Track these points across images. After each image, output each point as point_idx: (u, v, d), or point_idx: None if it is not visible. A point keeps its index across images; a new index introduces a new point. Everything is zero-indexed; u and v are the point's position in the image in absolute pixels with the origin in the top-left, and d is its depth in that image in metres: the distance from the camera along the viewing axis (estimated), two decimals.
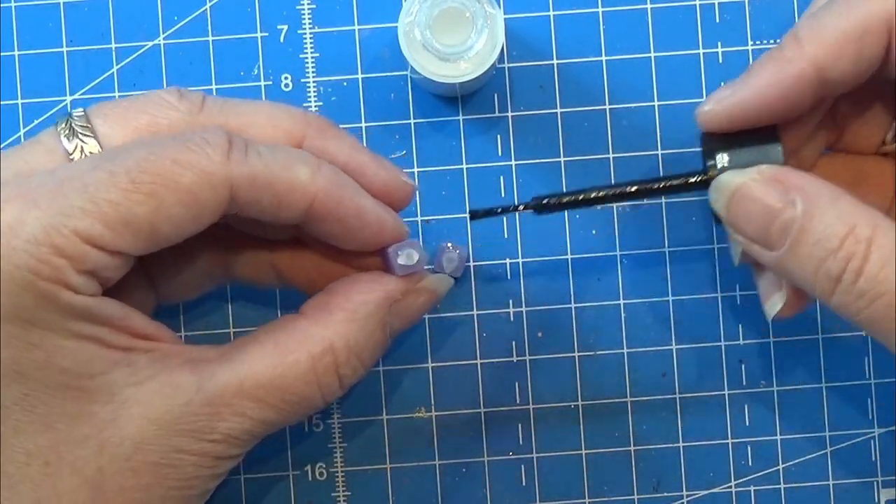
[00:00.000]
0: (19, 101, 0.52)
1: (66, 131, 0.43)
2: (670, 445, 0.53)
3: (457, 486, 0.52)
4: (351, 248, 0.46)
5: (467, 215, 0.48)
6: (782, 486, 0.53)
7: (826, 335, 0.53)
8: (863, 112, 0.48)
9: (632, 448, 0.53)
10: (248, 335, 0.45)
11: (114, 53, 0.52)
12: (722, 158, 0.45)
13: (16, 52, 0.52)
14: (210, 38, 0.53)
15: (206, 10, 0.52)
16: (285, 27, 0.53)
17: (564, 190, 0.50)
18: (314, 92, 0.52)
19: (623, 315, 0.53)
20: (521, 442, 0.53)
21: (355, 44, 0.53)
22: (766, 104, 0.44)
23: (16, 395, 0.40)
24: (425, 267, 0.47)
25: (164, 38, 0.52)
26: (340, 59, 0.53)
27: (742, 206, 0.44)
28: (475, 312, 0.53)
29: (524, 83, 0.53)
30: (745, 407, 0.53)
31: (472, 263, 0.52)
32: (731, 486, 0.53)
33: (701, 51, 0.53)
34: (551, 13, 0.53)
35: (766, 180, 0.44)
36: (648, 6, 0.53)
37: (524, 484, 0.53)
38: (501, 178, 0.53)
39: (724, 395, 0.53)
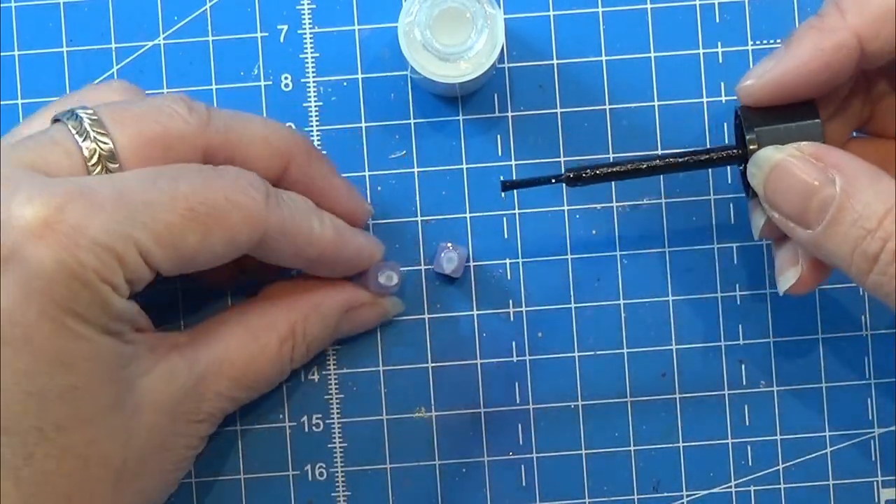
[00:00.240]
0: (19, 101, 0.52)
1: (80, 131, 0.43)
2: (670, 445, 0.53)
3: (457, 486, 0.52)
4: (334, 276, 0.50)
5: (501, 186, 0.48)
6: (782, 486, 0.53)
7: (826, 335, 0.53)
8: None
9: (632, 448, 0.53)
10: (214, 318, 0.48)
11: (114, 53, 0.52)
12: (761, 133, 0.45)
13: (16, 52, 0.52)
14: (210, 38, 0.53)
15: (206, 10, 0.52)
16: (285, 27, 0.53)
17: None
18: (314, 92, 0.52)
19: (623, 315, 0.53)
20: (521, 442, 0.53)
21: (355, 44, 0.53)
22: (808, 75, 0.44)
23: (62, 387, 0.40)
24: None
25: (164, 38, 0.52)
26: (340, 59, 0.53)
27: (780, 183, 0.44)
28: (475, 312, 0.53)
29: (524, 83, 0.53)
30: (745, 407, 0.53)
31: (471, 263, 0.52)
32: (731, 486, 0.53)
33: (701, 51, 0.53)
34: (551, 13, 0.53)
35: (806, 157, 0.44)
36: (648, 6, 0.53)
37: (524, 484, 0.53)
38: (501, 177, 0.53)
39: (724, 395, 0.53)
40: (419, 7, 0.49)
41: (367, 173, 0.52)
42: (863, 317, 0.53)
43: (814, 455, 0.53)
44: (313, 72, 0.53)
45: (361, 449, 0.52)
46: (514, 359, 0.53)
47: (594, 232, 0.53)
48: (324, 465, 0.52)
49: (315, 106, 0.52)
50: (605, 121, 0.53)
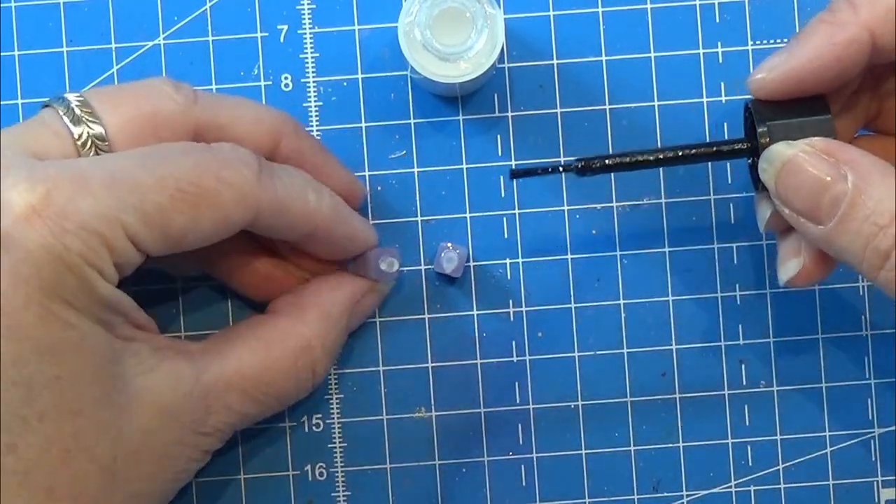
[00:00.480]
0: (19, 101, 0.52)
1: (70, 115, 0.43)
2: (670, 445, 0.53)
3: (457, 486, 0.52)
4: (328, 258, 0.49)
5: (510, 174, 0.48)
6: (782, 486, 0.53)
7: (826, 335, 0.53)
8: None
9: (632, 448, 0.53)
10: (226, 331, 0.47)
11: (114, 53, 0.52)
12: (773, 128, 0.45)
13: (16, 52, 0.52)
14: (210, 38, 0.53)
15: (206, 10, 0.52)
16: (285, 27, 0.53)
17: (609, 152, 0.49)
18: (314, 92, 0.52)
19: (623, 315, 0.53)
20: (521, 442, 0.53)
21: (355, 44, 0.53)
22: (820, 70, 0.44)
23: (47, 376, 0.40)
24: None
25: (164, 38, 0.52)
26: (340, 59, 0.53)
27: (792, 179, 0.44)
28: (475, 312, 0.53)
29: (524, 83, 0.53)
30: (745, 407, 0.53)
31: (471, 263, 0.52)
32: (731, 486, 0.53)
33: (701, 51, 0.53)
34: (551, 13, 0.53)
35: (818, 153, 0.43)
36: (648, 6, 0.53)
37: (524, 484, 0.53)
38: (501, 178, 0.53)
39: (724, 395, 0.53)
40: (419, 7, 0.49)
41: (367, 173, 0.52)
42: (863, 316, 0.53)
43: (814, 455, 0.53)
44: (313, 72, 0.53)
45: (361, 449, 0.52)
46: (514, 359, 0.53)
47: (594, 232, 0.53)
48: (324, 465, 0.52)
49: (315, 106, 0.52)
50: (605, 121, 0.53)
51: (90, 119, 0.44)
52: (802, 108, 0.45)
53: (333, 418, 0.52)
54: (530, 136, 0.53)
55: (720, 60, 0.53)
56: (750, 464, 0.53)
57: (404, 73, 0.52)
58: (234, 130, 0.46)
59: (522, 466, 0.53)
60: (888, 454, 0.53)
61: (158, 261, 0.45)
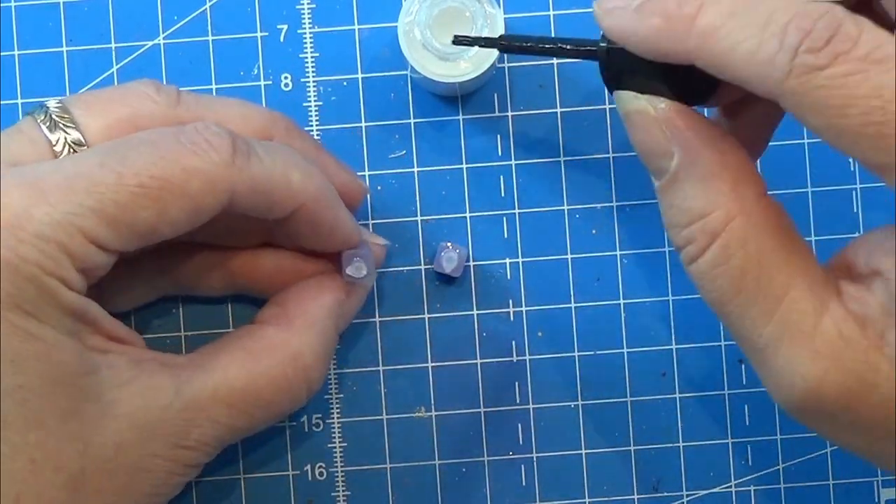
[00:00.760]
0: (19, 101, 0.52)
1: (47, 122, 0.43)
2: (670, 445, 0.53)
3: (457, 486, 0.52)
4: (311, 248, 0.48)
5: (454, 40, 0.47)
6: (782, 486, 0.53)
7: None
8: None
9: (632, 448, 0.53)
10: (213, 343, 0.46)
11: (114, 53, 0.52)
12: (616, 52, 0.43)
13: (16, 52, 0.52)
14: (210, 38, 0.53)
15: (205, 9, 0.53)
16: (285, 27, 0.53)
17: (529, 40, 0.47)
18: (314, 92, 0.53)
19: (623, 315, 0.53)
20: (521, 442, 0.53)
21: (355, 44, 0.53)
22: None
23: (10, 386, 0.40)
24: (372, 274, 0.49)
25: (163, 38, 0.52)
26: (340, 58, 0.53)
27: (632, 130, 0.43)
28: (475, 312, 0.53)
29: (524, 83, 0.53)
30: (745, 407, 0.53)
31: (471, 263, 0.52)
32: (731, 486, 0.53)
33: None
34: (551, 13, 0.53)
35: (656, 120, 0.42)
36: None
37: (524, 484, 0.53)
38: (501, 177, 0.53)
39: (724, 395, 0.53)
40: (419, 7, 0.49)
41: (367, 173, 0.52)
42: None
43: (814, 455, 0.53)
44: (313, 71, 0.53)
45: (361, 449, 0.52)
46: (514, 359, 0.53)
47: (594, 232, 0.53)
48: (324, 465, 0.52)
49: (315, 106, 0.52)
50: (605, 120, 0.53)
51: (68, 125, 0.43)
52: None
53: (333, 418, 0.52)
54: (530, 136, 0.53)
55: None
56: (750, 464, 0.53)
57: (404, 72, 0.52)
58: None
59: (522, 466, 0.53)
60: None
61: (182, 284, 0.46)
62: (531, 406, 0.53)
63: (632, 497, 0.53)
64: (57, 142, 0.43)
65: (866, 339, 0.39)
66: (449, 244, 0.52)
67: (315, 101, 0.52)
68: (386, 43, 0.52)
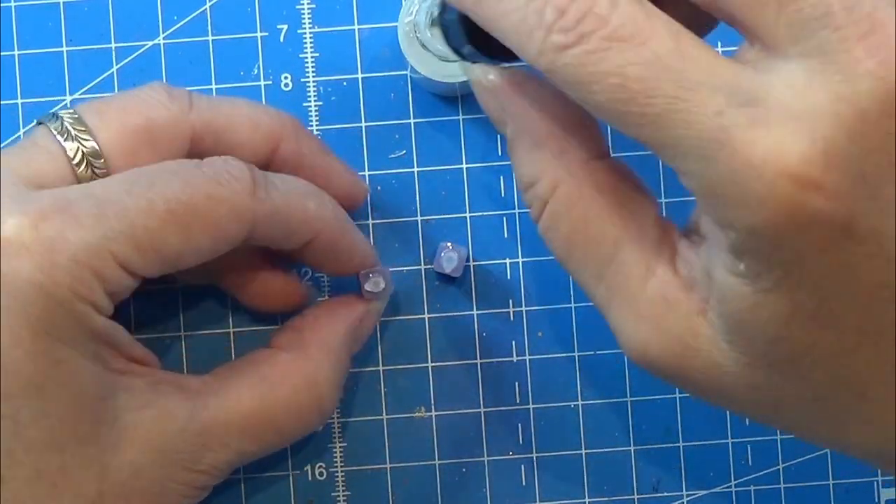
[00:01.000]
0: (19, 101, 0.52)
1: (62, 133, 0.43)
2: (670, 445, 0.53)
3: (457, 486, 0.52)
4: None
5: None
6: (782, 486, 0.53)
7: None
8: None
9: (632, 448, 0.53)
10: (227, 366, 0.46)
11: (114, 53, 0.52)
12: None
13: (16, 52, 0.52)
14: (210, 38, 0.53)
15: (206, 9, 0.52)
16: (285, 27, 0.53)
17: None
18: (314, 92, 0.52)
19: None
20: (521, 442, 0.53)
21: (355, 44, 0.53)
22: None
23: (34, 412, 0.40)
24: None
25: (163, 38, 0.52)
26: (340, 58, 0.53)
27: (477, 98, 0.44)
28: (475, 312, 0.53)
29: None
30: None
31: (471, 263, 0.52)
32: (731, 486, 0.53)
33: None
34: None
35: (489, 88, 0.43)
36: None
37: (524, 484, 0.53)
38: (501, 177, 0.53)
39: None
40: (419, 7, 0.49)
41: (367, 173, 0.52)
42: None
43: (814, 455, 0.53)
44: (313, 71, 0.53)
45: (361, 449, 0.52)
46: (514, 359, 0.53)
47: None
48: (324, 465, 0.52)
49: (315, 106, 0.52)
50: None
51: (83, 136, 0.43)
52: None
53: (333, 418, 0.52)
54: None
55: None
56: (750, 464, 0.53)
57: (404, 72, 0.52)
58: (232, 135, 0.46)
59: (522, 466, 0.53)
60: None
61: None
62: (531, 406, 0.53)
63: (632, 497, 0.53)
64: (73, 152, 0.43)
65: (690, 302, 0.39)
66: (449, 244, 0.52)
67: (315, 101, 0.52)
68: (386, 43, 0.52)
